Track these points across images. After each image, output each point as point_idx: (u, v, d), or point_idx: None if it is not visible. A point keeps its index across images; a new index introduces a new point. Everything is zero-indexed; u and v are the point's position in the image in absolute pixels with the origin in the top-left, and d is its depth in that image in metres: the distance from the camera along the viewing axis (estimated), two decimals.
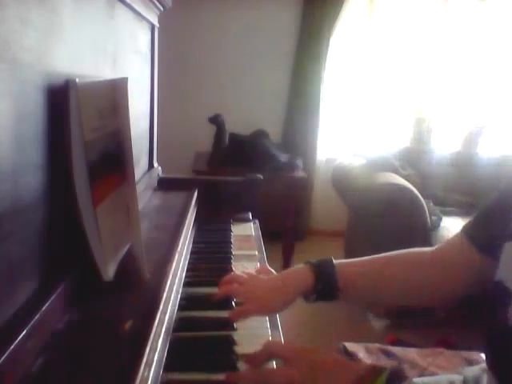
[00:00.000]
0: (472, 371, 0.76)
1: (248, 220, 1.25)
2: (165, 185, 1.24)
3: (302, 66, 3.07)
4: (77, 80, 0.54)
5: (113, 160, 0.67)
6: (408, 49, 3.15)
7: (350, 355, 0.99)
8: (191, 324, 0.73)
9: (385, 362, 0.97)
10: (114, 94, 0.68)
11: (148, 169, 1.21)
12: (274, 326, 0.76)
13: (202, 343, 0.69)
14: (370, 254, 0.82)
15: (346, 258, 0.81)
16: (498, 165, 2.67)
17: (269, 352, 0.62)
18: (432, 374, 0.89)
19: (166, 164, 1.34)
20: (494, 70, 3.12)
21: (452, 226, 2.22)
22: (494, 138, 3.05)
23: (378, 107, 3.25)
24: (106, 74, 0.78)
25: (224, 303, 0.77)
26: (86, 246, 0.58)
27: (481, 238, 0.72)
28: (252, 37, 3.09)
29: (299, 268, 0.78)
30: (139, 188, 0.95)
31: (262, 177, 1.29)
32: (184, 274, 0.88)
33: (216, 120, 2.59)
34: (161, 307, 0.61)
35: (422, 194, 2.13)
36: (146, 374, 0.49)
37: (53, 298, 0.52)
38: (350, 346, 1.03)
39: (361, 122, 3.28)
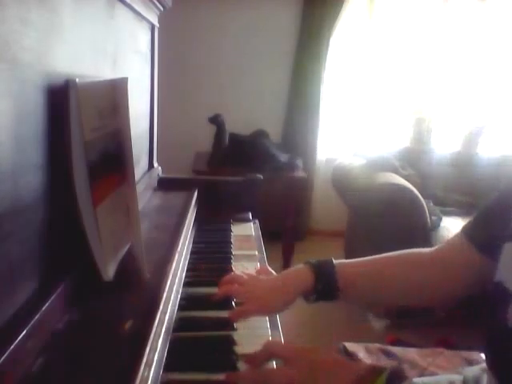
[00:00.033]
0: (472, 371, 0.76)
1: (248, 220, 1.25)
2: (165, 185, 1.24)
3: (302, 66, 3.07)
4: (77, 80, 0.54)
5: (113, 160, 0.67)
6: (408, 49, 3.15)
7: (350, 355, 0.99)
8: (191, 324, 0.73)
9: (385, 362, 0.97)
10: (114, 94, 0.68)
11: (148, 169, 1.21)
12: (274, 325, 0.76)
13: (202, 343, 0.68)
14: (370, 254, 0.82)
15: (346, 258, 0.81)
16: (498, 165, 2.67)
17: (269, 352, 0.62)
18: (432, 373, 0.89)
19: (165, 164, 1.34)
20: (493, 70, 3.12)
21: (452, 225, 2.22)
22: (494, 138, 3.05)
23: (377, 107, 3.25)
24: (106, 74, 0.78)
25: (224, 303, 0.77)
26: (86, 246, 0.58)
27: (481, 238, 0.72)
28: (252, 37, 3.09)
29: (299, 268, 0.78)
30: (139, 188, 0.95)
31: (262, 177, 1.29)
32: (184, 274, 0.88)
33: (216, 120, 2.59)
34: (161, 307, 0.61)
35: (422, 194, 2.13)
36: (146, 373, 0.49)
37: (53, 298, 0.52)
38: (350, 346, 1.03)
39: (361, 122, 3.28)
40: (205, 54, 3.10)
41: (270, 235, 1.48)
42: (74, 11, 0.62)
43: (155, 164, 1.25)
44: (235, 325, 0.73)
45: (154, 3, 1.09)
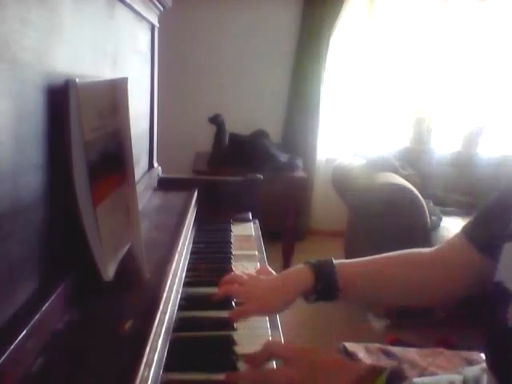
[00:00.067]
0: (472, 371, 0.76)
1: (248, 220, 1.25)
2: (165, 185, 1.24)
3: (302, 66, 3.07)
4: (77, 80, 0.54)
5: (113, 160, 0.67)
6: (408, 49, 3.15)
7: (350, 355, 0.99)
8: (191, 324, 0.73)
9: (385, 361, 0.97)
10: (114, 93, 0.68)
11: (148, 169, 1.21)
12: (274, 325, 0.76)
13: (202, 343, 0.69)
14: (370, 254, 0.82)
15: (346, 258, 0.81)
16: (498, 165, 2.67)
17: (269, 352, 0.62)
18: (432, 373, 0.89)
19: (166, 164, 1.34)
20: (493, 70, 3.12)
21: (452, 225, 2.22)
22: (494, 138, 3.05)
23: (377, 107, 3.25)
24: (106, 74, 0.78)
25: (224, 303, 0.77)
26: (86, 246, 0.58)
27: (480, 239, 0.72)
28: (252, 37, 3.09)
29: (299, 268, 0.78)
30: (139, 188, 0.95)
31: (262, 177, 1.29)
32: (184, 274, 0.88)
33: (216, 120, 2.59)
34: (161, 307, 0.61)
35: (422, 194, 2.13)
36: (146, 374, 0.49)
37: (53, 298, 0.52)
38: (350, 345, 1.03)
39: (361, 122, 3.28)
40: (205, 54, 3.10)
41: (270, 235, 1.48)
42: (74, 11, 0.62)
43: (155, 164, 1.25)
44: (235, 325, 0.73)
45: (153, 3, 1.09)
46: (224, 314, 0.74)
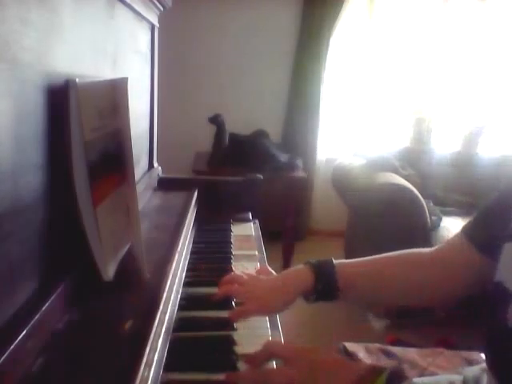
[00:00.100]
0: (472, 371, 0.76)
1: (248, 220, 1.25)
2: (165, 185, 1.24)
3: (302, 66, 3.07)
4: (77, 80, 0.54)
5: (113, 160, 0.67)
6: (408, 49, 3.15)
7: (350, 355, 0.99)
8: (191, 324, 0.73)
9: (385, 361, 0.97)
10: (114, 94, 0.68)
11: (148, 169, 1.21)
12: (274, 326, 0.76)
13: (202, 343, 0.69)
14: (370, 254, 0.82)
15: (346, 258, 0.81)
16: (498, 165, 2.67)
17: (269, 352, 0.62)
18: (432, 373, 0.89)
19: (166, 164, 1.34)
20: (493, 70, 3.12)
21: (452, 225, 2.22)
22: (494, 138, 3.05)
23: (377, 107, 3.25)
24: (106, 74, 0.78)
25: (224, 303, 0.77)
26: (86, 246, 0.58)
27: (480, 239, 0.73)
28: (252, 37, 3.09)
29: (299, 268, 0.78)
30: (139, 188, 0.95)
31: (262, 177, 1.29)
32: (184, 274, 0.88)
33: (216, 120, 2.59)
34: (161, 307, 0.61)
35: (422, 194, 2.13)
36: (146, 374, 0.49)
37: (53, 298, 0.52)
38: (350, 346, 1.03)
39: (361, 122, 3.28)
40: (205, 54, 3.10)
41: (270, 235, 1.48)
42: (74, 11, 0.62)
43: (155, 164, 1.25)
44: (235, 325, 0.73)
45: (153, 3, 1.09)
46: (224, 313, 0.74)
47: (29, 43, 0.49)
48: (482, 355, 0.91)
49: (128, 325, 0.56)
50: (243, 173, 1.30)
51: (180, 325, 0.72)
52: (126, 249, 0.69)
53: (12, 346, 0.43)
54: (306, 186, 2.86)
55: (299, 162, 2.80)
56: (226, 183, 1.29)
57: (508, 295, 0.60)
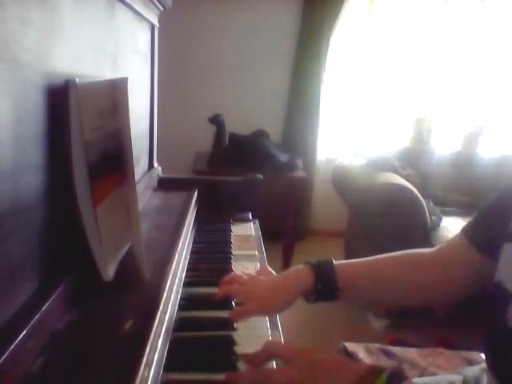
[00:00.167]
0: (472, 371, 0.76)
1: (248, 220, 1.25)
2: (165, 185, 1.24)
3: (302, 66, 3.07)
4: (77, 80, 0.54)
5: (113, 160, 0.67)
6: (408, 49, 3.15)
7: (350, 355, 1.00)
8: (191, 324, 0.73)
9: (385, 361, 0.97)
10: (114, 93, 0.68)
11: (148, 169, 1.21)
12: (274, 325, 0.76)
13: (202, 343, 0.69)
14: (370, 254, 0.82)
15: (346, 258, 0.81)
16: (498, 165, 2.67)
17: (269, 352, 0.62)
18: (432, 373, 0.90)
19: (166, 164, 1.34)
20: (493, 70, 3.12)
21: (452, 225, 2.22)
22: (494, 138, 3.05)
23: (377, 107, 3.25)
24: (106, 74, 0.78)
25: (224, 303, 0.77)
26: (86, 245, 0.58)
27: (480, 239, 0.73)
28: (252, 37, 3.09)
29: (299, 268, 0.78)
30: (139, 188, 0.95)
31: (262, 177, 1.29)
32: (184, 274, 0.88)
33: (216, 120, 2.59)
34: (161, 307, 0.61)
35: (422, 194, 2.13)
36: (146, 373, 0.49)
37: (53, 298, 0.52)
38: (350, 345, 1.03)
39: (361, 122, 3.28)
40: (205, 54, 3.10)
41: (270, 235, 1.48)
42: (74, 11, 0.62)
43: (155, 164, 1.25)
44: (235, 325, 0.73)
45: (153, 3, 1.09)
46: (224, 313, 0.74)
47: (29, 43, 0.49)
48: (482, 355, 0.91)
49: (128, 325, 0.56)
50: (243, 173, 1.30)
51: (180, 325, 0.72)
52: (125, 249, 0.69)
53: (12, 346, 0.43)
54: (306, 186, 2.86)
55: (299, 162, 2.80)
56: (226, 183, 1.29)
57: (508, 295, 0.60)
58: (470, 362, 0.94)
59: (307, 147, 3.15)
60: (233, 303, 0.78)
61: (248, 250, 1.06)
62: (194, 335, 0.71)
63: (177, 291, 0.77)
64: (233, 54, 3.12)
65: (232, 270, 0.92)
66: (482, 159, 2.78)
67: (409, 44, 3.14)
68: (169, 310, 0.67)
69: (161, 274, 0.69)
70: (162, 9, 1.17)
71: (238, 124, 2.84)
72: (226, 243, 1.07)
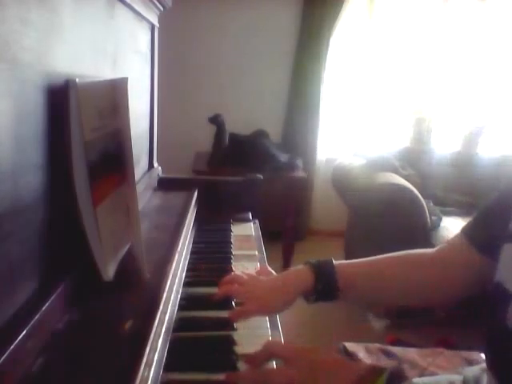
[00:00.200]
0: (472, 371, 0.76)
1: (248, 220, 1.25)
2: (165, 185, 1.24)
3: (302, 66, 3.07)
4: (77, 80, 0.54)
5: (113, 160, 0.67)
6: (408, 49, 3.15)
7: (350, 355, 0.99)
8: (191, 324, 0.73)
9: (385, 362, 0.97)
10: (114, 94, 0.68)
11: (148, 169, 1.21)
12: (274, 325, 0.76)
13: (202, 343, 0.69)
14: (370, 254, 0.82)
15: (346, 258, 0.81)
16: (498, 165, 2.67)
17: (269, 352, 0.62)
18: (432, 373, 0.90)
19: (166, 164, 1.34)
20: (493, 70, 3.12)
21: (452, 225, 2.22)
22: (494, 138, 3.05)
23: (377, 107, 3.25)
24: (106, 74, 0.78)
25: (224, 303, 0.77)
26: (86, 245, 0.58)
27: (480, 239, 0.73)
28: (252, 37, 3.09)
29: (299, 268, 0.79)
30: (139, 188, 0.95)
31: (262, 177, 1.29)
32: (184, 274, 0.88)
33: (216, 120, 2.59)
34: (161, 307, 0.61)
35: (422, 194, 2.13)
36: (146, 373, 0.49)
37: (53, 298, 0.52)
38: (350, 346, 1.03)
39: (361, 122, 3.28)
40: (205, 54, 3.10)
41: (270, 235, 1.48)
42: (74, 11, 0.62)
43: (155, 164, 1.25)
44: (235, 325, 0.73)
45: (153, 3, 1.09)
46: (224, 314, 0.74)
47: (29, 43, 0.49)
48: (482, 355, 0.92)
49: (128, 325, 0.56)
50: (243, 173, 1.30)
51: (180, 325, 0.72)
52: (125, 249, 0.69)
53: (12, 346, 0.43)
54: (306, 185, 2.86)
55: (299, 162, 2.80)
56: (226, 183, 1.29)
57: (508, 295, 0.60)
58: (470, 362, 0.94)
59: (307, 147, 3.15)
60: (233, 303, 0.78)
61: (248, 249, 1.06)
62: (194, 335, 0.71)
63: (177, 291, 0.77)
64: (233, 54, 3.12)
65: (232, 270, 0.92)
66: (482, 159, 2.78)
67: (409, 44, 3.14)
68: (169, 310, 0.67)
69: (161, 274, 0.69)
70: (161, 9, 1.17)
71: (238, 124, 2.84)
72: (226, 243, 1.07)
